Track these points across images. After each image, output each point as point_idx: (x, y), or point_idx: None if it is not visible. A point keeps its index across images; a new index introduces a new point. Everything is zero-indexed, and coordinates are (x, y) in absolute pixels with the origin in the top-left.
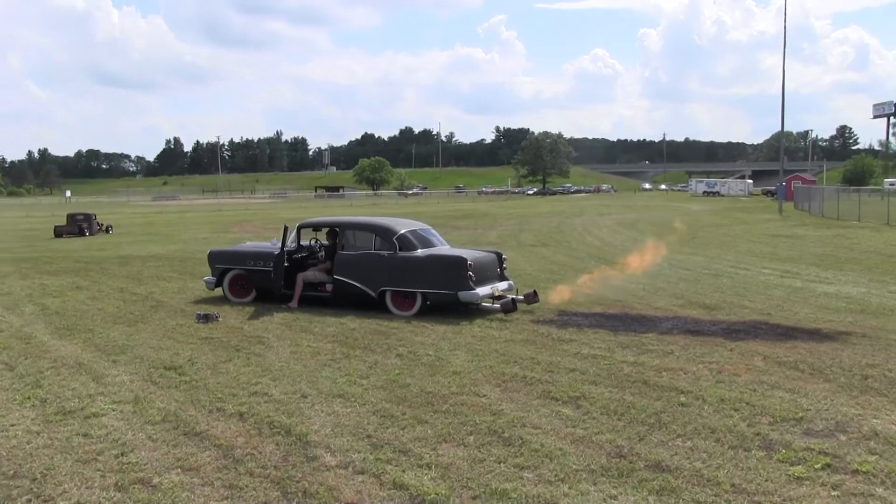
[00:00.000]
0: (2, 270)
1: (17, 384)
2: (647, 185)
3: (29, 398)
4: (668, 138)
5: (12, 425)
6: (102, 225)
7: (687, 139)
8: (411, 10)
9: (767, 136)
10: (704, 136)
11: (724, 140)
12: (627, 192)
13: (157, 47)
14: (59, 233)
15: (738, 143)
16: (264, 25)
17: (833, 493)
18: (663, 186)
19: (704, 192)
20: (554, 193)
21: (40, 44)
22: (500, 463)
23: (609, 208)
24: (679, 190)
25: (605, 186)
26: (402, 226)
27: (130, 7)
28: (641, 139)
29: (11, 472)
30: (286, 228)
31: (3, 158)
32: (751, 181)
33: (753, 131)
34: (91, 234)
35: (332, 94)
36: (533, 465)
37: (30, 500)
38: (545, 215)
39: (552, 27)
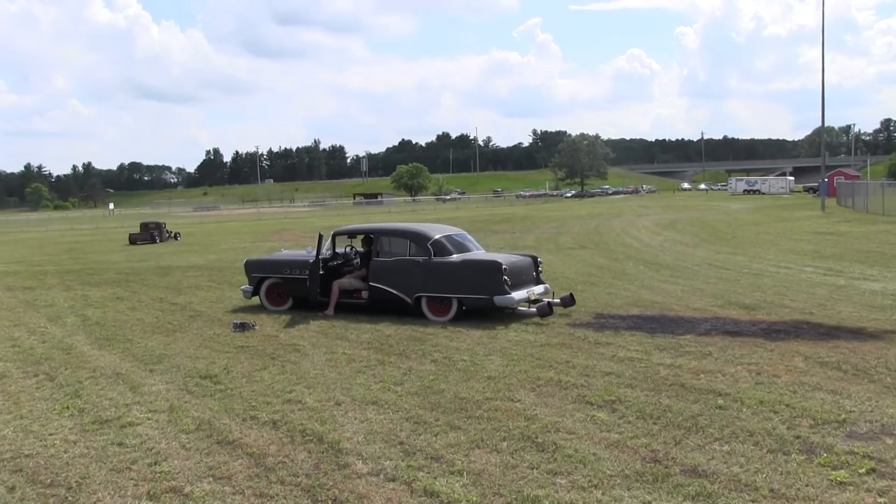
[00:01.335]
0: (47, 282)
1: (57, 394)
2: (685, 185)
3: (68, 407)
4: (706, 137)
5: (51, 434)
6: (171, 232)
7: (726, 137)
8: (446, 16)
9: (809, 132)
10: (744, 134)
11: (764, 137)
12: (666, 193)
13: (196, 60)
14: (133, 240)
15: (778, 140)
16: (301, 36)
17: (879, 499)
18: (702, 186)
19: (745, 190)
20: (592, 195)
21: (84, 62)
22: (532, 469)
23: (648, 209)
24: (719, 189)
25: (644, 187)
26: (437, 231)
27: (170, 22)
28: (680, 138)
29: (49, 480)
30: (321, 236)
31: (50, 173)
32: (792, 178)
33: (794, 127)
34: (161, 241)
35: (369, 101)
36: (566, 470)
37: None
38: (583, 217)
39: (587, 29)
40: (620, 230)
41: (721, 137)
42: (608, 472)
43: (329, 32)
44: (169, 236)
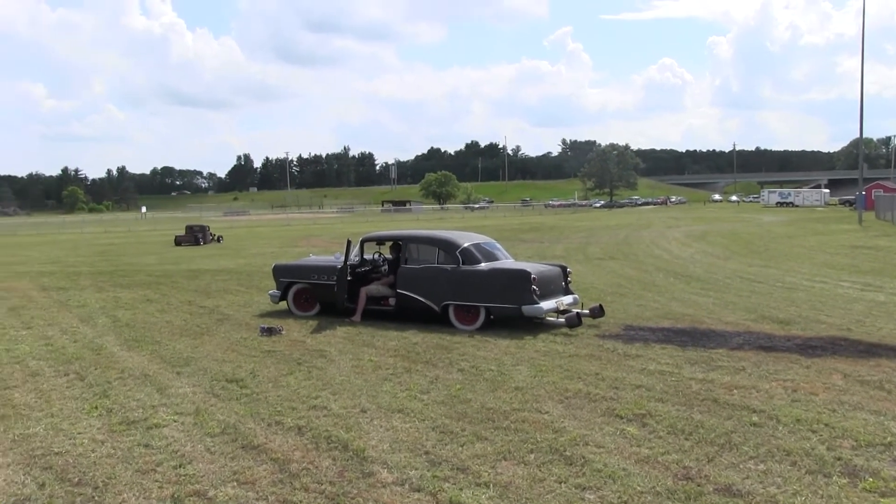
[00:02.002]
0: (80, 283)
1: (87, 393)
2: (717, 197)
3: (96, 407)
4: (739, 148)
5: (79, 433)
6: (214, 235)
7: (758, 148)
8: (476, 25)
9: (846, 143)
10: (777, 145)
11: (799, 149)
12: (697, 204)
13: (229, 67)
14: (178, 241)
15: (813, 152)
16: (333, 43)
17: None
18: (734, 198)
19: (777, 202)
20: (622, 206)
21: (120, 68)
22: (560, 483)
23: (678, 220)
24: (751, 201)
25: (673, 198)
26: (466, 239)
27: (203, 29)
28: (711, 149)
29: (76, 479)
30: (349, 242)
31: (86, 177)
32: (827, 191)
33: (830, 138)
34: (205, 243)
35: (399, 109)
36: (595, 485)
37: None
38: (612, 228)
39: (618, 38)
40: (650, 241)
41: (753, 148)
42: (639, 488)
43: (360, 40)
44: (212, 239)
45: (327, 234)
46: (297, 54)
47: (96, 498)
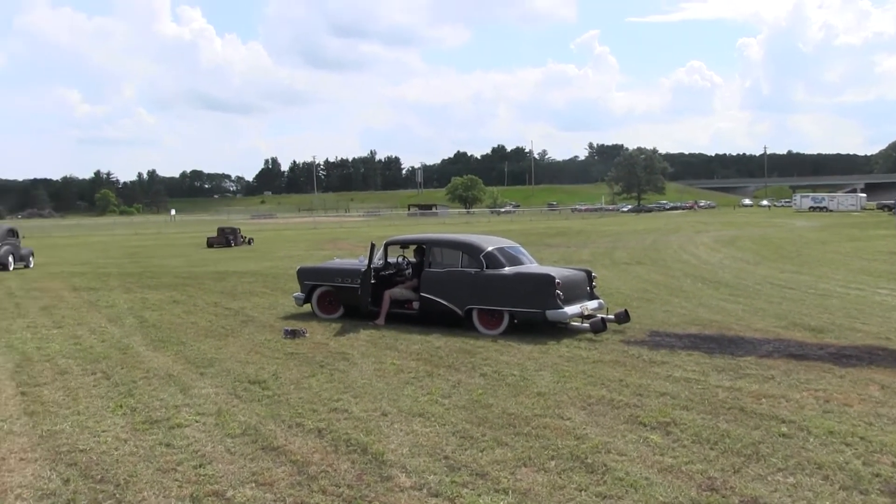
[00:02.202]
0: (109, 284)
1: (112, 392)
2: (747, 201)
3: (121, 406)
4: (770, 151)
5: (104, 431)
6: (245, 237)
7: (790, 152)
8: (501, 28)
9: (884, 146)
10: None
11: (833, 152)
12: (726, 209)
13: (256, 72)
14: (210, 243)
15: (848, 155)
16: (359, 48)
17: None
18: (765, 202)
19: (810, 207)
20: (649, 210)
21: (151, 73)
22: (580, 491)
23: (707, 225)
24: (782, 205)
25: (701, 202)
26: (490, 243)
27: (232, 35)
28: (741, 153)
29: (99, 476)
30: (373, 245)
31: (117, 180)
32: (863, 195)
33: (867, 141)
34: (236, 245)
35: (425, 113)
36: (616, 494)
37: None
38: (640, 233)
39: (646, 41)
40: (678, 246)
41: (785, 152)
42: (661, 498)
43: (386, 45)
44: (243, 241)
45: (353, 238)
46: (324, 59)
47: (117, 495)
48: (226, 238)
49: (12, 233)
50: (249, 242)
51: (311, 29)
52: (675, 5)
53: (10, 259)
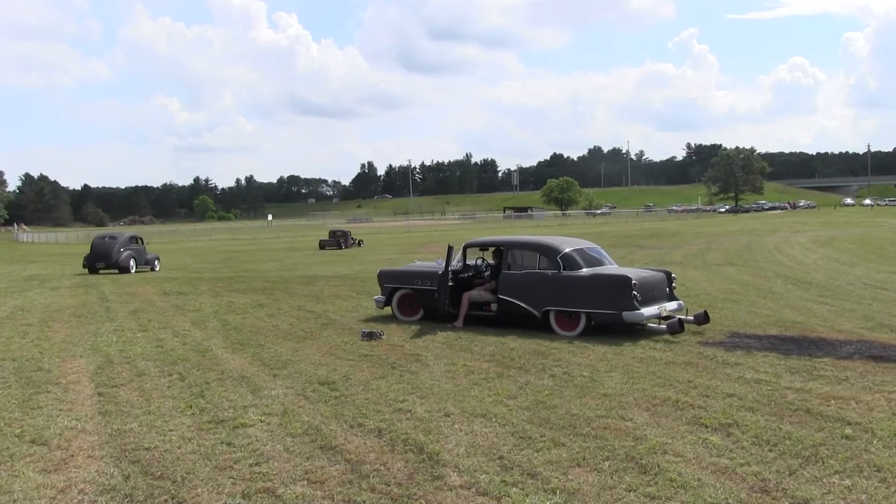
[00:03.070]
0: (199, 288)
1: (184, 393)
2: (848, 200)
3: (191, 406)
4: (875, 149)
5: (171, 430)
6: (356, 240)
7: None
8: (599, 28)
9: None
10: None
11: None
12: (827, 208)
13: (353, 77)
14: (322, 245)
15: None
16: (455, 51)
17: None
18: (867, 201)
19: None
20: (747, 211)
21: (249, 80)
22: (630, 491)
23: (805, 225)
24: (886, 204)
25: (800, 202)
26: (567, 244)
27: (328, 40)
28: (844, 151)
29: (159, 473)
30: (451, 248)
31: (216, 186)
32: None
33: None
34: (346, 247)
35: (521, 115)
36: (666, 495)
37: (166, 501)
38: (735, 233)
39: (746, 38)
40: (773, 247)
41: (891, 150)
42: (709, 499)
43: (483, 47)
44: (353, 243)
45: (447, 241)
46: (420, 63)
47: (172, 491)
48: (337, 241)
49: (135, 240)
50: (360, 244)
51: (407, 33)
52: (777, 1)
53: (132, 263)
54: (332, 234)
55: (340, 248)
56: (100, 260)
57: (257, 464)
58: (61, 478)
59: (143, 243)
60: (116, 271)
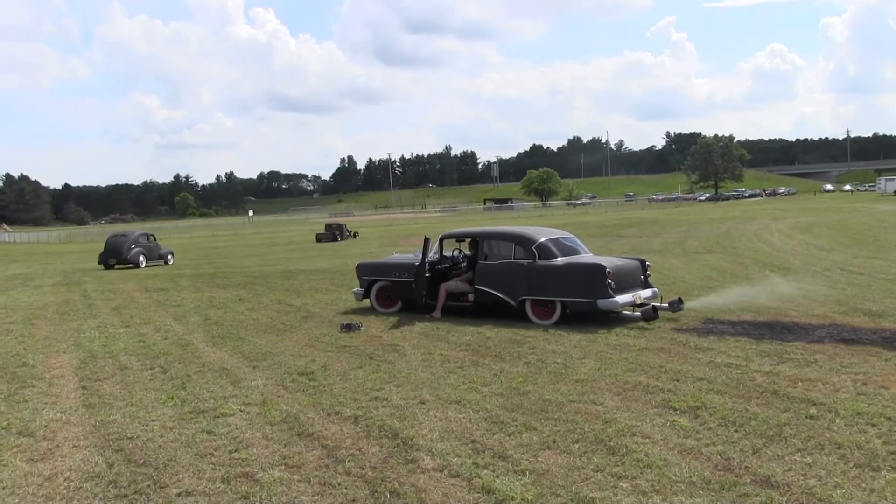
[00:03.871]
0: (181, 284)
1: (166, 385)
2: (828, 187)
3: (172, 398)
4: (854, 135)
5: (153, 420)
6: (351, 232)
7: (876, 135)
8: (577, 18)
9: None
10: None
11: None
12: (807, 195)
13: (331, 71)
14: (319, 239)
15: None
16: (433, 43)
17: None
18: (847, 187)
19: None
20: (727, 199)
21: (228, 77)
22: (597, 472)
23: (784, 212)
24: (866, 190)
25: (781, 189)
26: (542, 234)
27: (306, 35)
28: (823, 138)
29: (142, 461)
30: (427, 240)
31: (196, 183)
32: None
33: None
34: (342, 239)
35: (501, 107)
36: (631, 474)
37: (149, 486)
38: (715, 221)
39: (724, 26)
40: (752, 234)
41: (871, 135)
42: (673, 477)
43: (460, 39)
44: (348, 235)
45: (428, 234)
46: (399, 56)
47: (155, 477)
48: (332, 233)
49: (146, 237)
50: (355, 236)
51: (385, 26)
52: None
53: (142, 258)
54: (328, 227)
55: (336, 240)
56: (112, 256)
57: (236, 450)
58: (47, 466)
59: (155, 240)
60: (130, 266)
